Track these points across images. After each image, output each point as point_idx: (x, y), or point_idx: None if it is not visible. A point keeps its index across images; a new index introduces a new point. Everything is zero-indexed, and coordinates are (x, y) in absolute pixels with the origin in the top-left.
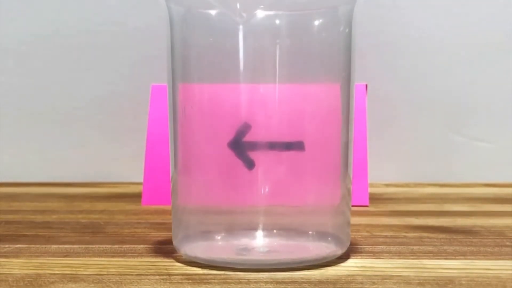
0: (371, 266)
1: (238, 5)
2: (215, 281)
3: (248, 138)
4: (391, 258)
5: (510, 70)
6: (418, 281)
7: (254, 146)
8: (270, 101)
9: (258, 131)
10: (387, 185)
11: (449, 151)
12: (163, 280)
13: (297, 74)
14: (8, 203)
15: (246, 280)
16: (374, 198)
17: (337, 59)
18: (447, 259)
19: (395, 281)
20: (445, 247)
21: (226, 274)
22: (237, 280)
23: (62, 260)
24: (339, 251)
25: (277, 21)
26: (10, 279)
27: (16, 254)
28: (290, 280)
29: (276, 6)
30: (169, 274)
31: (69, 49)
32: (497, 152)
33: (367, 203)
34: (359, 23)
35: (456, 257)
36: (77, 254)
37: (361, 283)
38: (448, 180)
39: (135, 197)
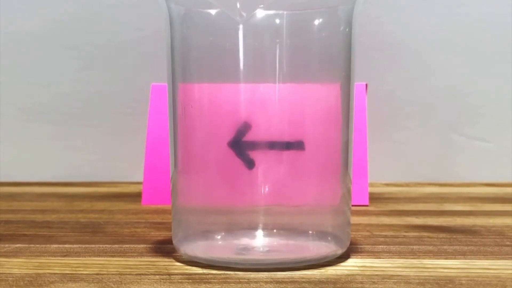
0: (371, 265)
1: (238, 5)
2: (215, 280)
3: (248, 137)
4: (391, 258)
5: (511, 70)
6: (418, 281)
7: (254, 145)
8: (270, 100)
9: (258, 131)
10: (387, 185)
11: (449, 151)
12: (163, 279)
13: (297, 74)
14: (8, 203)
15: (246, 280)
16: (374, 198)
17: (337, 59)
18: (447, 258)
19: (395, 280)
20: (445, 247)
21: (226, 274)
22: (237, 280)
23: (62, 259)
24: (339, 251)
25: (277, 21)
26: (10, 278)
27: (16, 253)
28: (290, 280)
29: (276, 6)
30: (169, 274)
31: (69, 49)
32: (497, 151)
33: (367, 203)
34: (359, 23)
35: (456, 256)
36: (77, 254)
37: (361, 282)
38: (448, 179)
39: (135, 196)
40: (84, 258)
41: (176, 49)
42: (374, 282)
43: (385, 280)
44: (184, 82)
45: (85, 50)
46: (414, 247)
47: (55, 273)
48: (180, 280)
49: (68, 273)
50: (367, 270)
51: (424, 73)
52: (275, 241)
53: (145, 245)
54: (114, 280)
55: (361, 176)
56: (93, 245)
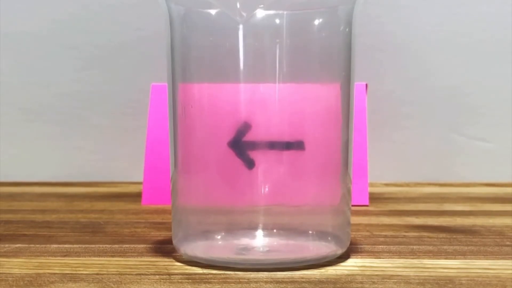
0: (371, 265)
1: (238, 5)
2: (215, 280)
3: (248, 137)
4: (391, 258)
5: (511, 70)
6: (418, 281)
7: (254, 145)
8: (270, 100)
9: (258, 131)
10: (387, 185)
11: (449, 151)
12: (163, 279)
13: (297, 74)
14: (8, 203)
15: (246, 280)
16: (374, 198)
17: (337, 59)
18: (447, 258)
19: (395, 280)
20: (445, 247)
21: (226, 274)
22: (237, 280)
23: (62, 259)
24: (339, 251)
25: (277, 21)
26: (10, 278)
27: (16, 253)
28: (290, 280)
29: (276, 6)
30: (169, 274)
31: (69, 49)
32: (497, 152)
33: (367, 203)
34: (359, 23)
35: (456, 256)
36: (77, 254)
37: (361, 282)
38: (448, 179)
39: (135, 196)
40: (84, 258)
41: (176, 49)
42: (374, 282)
43: (385, 280)
44: (184, 82)
45: (85, 50)
46: (414, 247)
47: (55, 273)
48: (180, 280)
49: (68, 273)
50: (367, 270)
51: (424, 73)
52: (275, 241)
53: (145, 245)
54: (114, 280)
55: (361, 176)
56: (93, 245)
